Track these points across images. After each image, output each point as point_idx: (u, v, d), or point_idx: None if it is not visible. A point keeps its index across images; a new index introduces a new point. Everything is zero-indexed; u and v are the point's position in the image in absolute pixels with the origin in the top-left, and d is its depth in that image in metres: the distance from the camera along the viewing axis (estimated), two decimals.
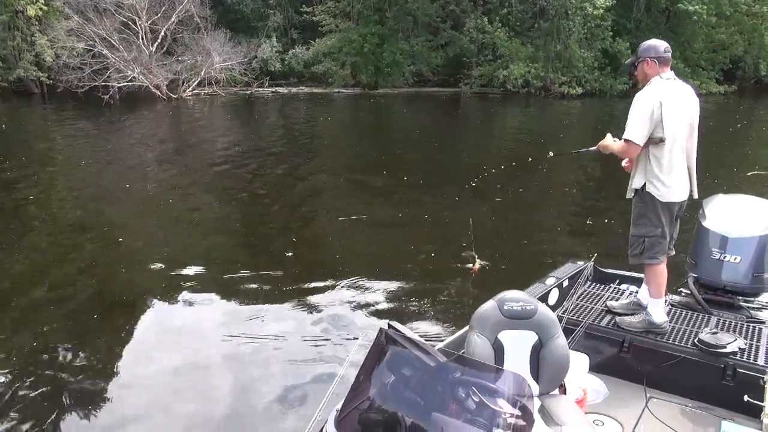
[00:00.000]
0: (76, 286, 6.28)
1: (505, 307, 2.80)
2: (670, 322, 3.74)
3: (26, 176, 11.17)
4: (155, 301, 5.95)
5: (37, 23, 22.09)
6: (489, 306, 2.85)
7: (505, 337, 2.79)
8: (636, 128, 3.44)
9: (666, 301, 3.89)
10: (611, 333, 3.69)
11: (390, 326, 2.69)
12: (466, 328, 2.95)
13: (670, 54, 3.60)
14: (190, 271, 6.65)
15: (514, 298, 2.83)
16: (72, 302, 5.90)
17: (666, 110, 3.43)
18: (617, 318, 3.80)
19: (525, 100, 25.35)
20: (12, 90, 23.05)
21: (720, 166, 11.98)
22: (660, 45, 3.60)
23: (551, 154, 4.33)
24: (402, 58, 27.10)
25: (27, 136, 16.12)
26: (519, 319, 2.78)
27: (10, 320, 5.51)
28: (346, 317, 5.50)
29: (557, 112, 22.61)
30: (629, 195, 3.68)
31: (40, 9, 21.72)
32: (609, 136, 3.73)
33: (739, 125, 19.27)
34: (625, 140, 3.48)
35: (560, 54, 26.54)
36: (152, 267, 6.77)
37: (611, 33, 27.04)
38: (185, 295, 6.02)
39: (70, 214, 9.07)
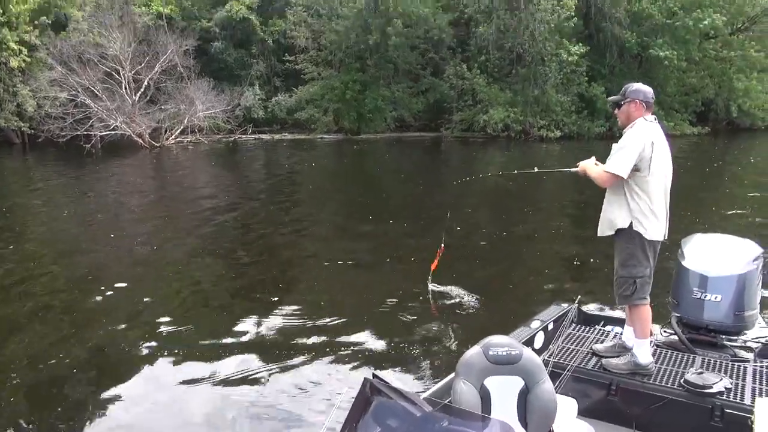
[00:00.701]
0: (55, 340, 6.11)
1: (491, 353, 2.76)
2: (656, 362, 3.73)
3: (6, 226, 11.02)
4: (137, 353, 5.80)
5: (20, 74, 22.18)
6: (474, 352, 2.81)
7: (492, 383, 2.75)
8: (622, 162, 3.51)
9: (651, 341, 3.89)
10: (598, 376, 3.66)
11: (375, 376, 2.65)
12: (452, 374, 2.91)
13: (653, 101, 3.73)
14: (173, 320, 6.52)
15: (499, 343, 2.80)
16: (50, 358, 5.74)
17: (656, 151, 3.53)
18: (603, 360, 3.77)
19: (505, 144, 25.77)
20: None
21: (700, 206, 12.21)
22: (648, 90, 3.72)
23: (536, 169, 4.40)
24: (384, 104, 27.56)
25: (7, 186, 15.98)
26: (505, 364, 2.75)
27: None
28: (331, 368, 5.39)
29: (537, 155, 22.98)
30: (607, 233, 3.69)
31: (23, 60, 21.85)
32: (593, 158, 3.81)
33: (715, 165, 19.74)
34: (607, 171, 3.54)
35: (538, 98, 27.20)
36: (135, 317, 6.65)
37: (586, 78, 27.86)
38: (167, 346, 5.88)
39: (50, 266, 8.90)
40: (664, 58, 26.82)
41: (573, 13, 26.64)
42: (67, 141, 21.37)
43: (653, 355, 3.80)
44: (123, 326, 6.35)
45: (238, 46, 27.79)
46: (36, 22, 22.88)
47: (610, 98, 3.94)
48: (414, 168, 19.95)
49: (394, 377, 4.95)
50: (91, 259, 9.08)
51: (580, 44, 26.97)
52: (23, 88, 21.85)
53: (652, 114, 3.71)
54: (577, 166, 3.83)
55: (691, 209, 11.33)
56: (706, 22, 26.50)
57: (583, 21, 28.05)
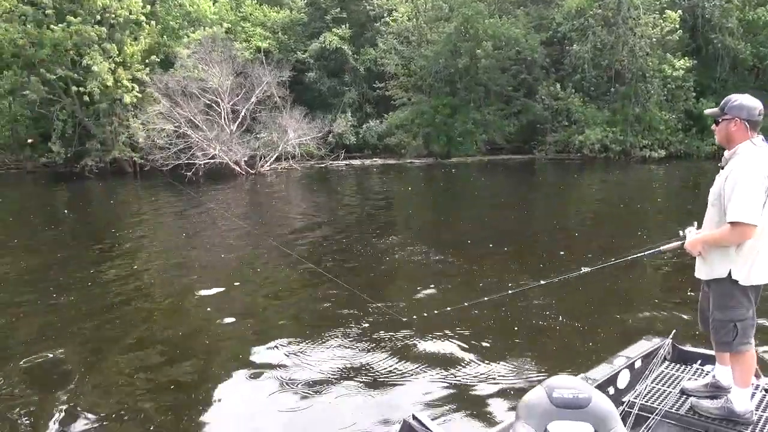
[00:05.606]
0: (166, 357, 6.29)
1: (555, 395, 2.37)
2: (762, 410, 3.14)
3: (131, 250, 11.68)
4: (233, 368, 5.86)
5: (132, 109, 24.00)
6: (537, 393, 2.43)
7: (556, 428, 2.35)
8: (752, 207, 2.92)
9: (759, 386, 3.30)
10: (693, 423, 3.12)
11: (414, 417, 2.32)
12: (512, 419, 2.55)
13: (761, 118, 3.14)
14: (275, 345, 6.45)
15: (565, 384, 2.40)
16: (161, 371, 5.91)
17: None
18: (692, 400, 3.24)
19: (604, 165, 24.45)
20: (108, 170, 24.96)
21: None
22: (754, 106, 3.10)
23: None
24: (474, 127, 27.17)
25: (128, 211, 17.25)
26: (571, 408, 2.35)
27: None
28: (369, 402, 5.05)
29: (641, 177, 21.56)
30: (706, 276, 3.20)
31: (135, 96, 23.66)
32: (692, 230, 3.28)
33: None
34: (738, 223, 2.93)
35: (639, 117, 25.73)
36: (236, 336, 6.75)
37: (694, 94, 26.00)
38: (268, 368, 5.84)
39: (167, 287, 9.16)
40: None
41: (677, 26, 25.09)
42: (170, 169, 22.72)
43: (761, 401, 3.22)
44: (221, 348, 6.42)
45: (331, 75, 28.58)
46: (147, 60, 24.77)
47: (707, 111, 3.41)
48: (510, 192, 19.27)
49: (446, 419, 4.55)
50: (199, 280, 9.32)
51: (686, 58, 25.32)
52: (134, 122, 23.59)
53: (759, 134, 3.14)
54: (684, 239, 3.30)
55: None
56: None
57: (689, 33, 26.35)
